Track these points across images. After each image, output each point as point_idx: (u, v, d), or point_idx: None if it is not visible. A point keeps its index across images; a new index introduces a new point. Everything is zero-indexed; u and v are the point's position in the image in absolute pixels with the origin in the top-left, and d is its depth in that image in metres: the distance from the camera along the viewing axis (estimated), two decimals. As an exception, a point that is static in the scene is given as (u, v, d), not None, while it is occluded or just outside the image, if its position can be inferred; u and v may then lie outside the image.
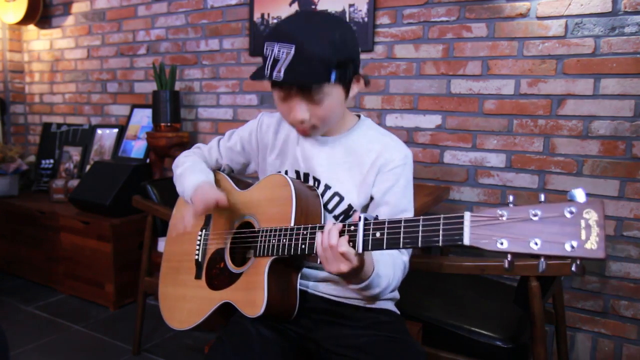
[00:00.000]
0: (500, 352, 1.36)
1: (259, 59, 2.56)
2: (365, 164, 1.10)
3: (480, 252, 0.74)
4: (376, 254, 0.99)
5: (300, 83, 0.98)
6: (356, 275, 0.93)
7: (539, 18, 1.90)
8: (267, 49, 0.97)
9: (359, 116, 1.18)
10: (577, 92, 1.86)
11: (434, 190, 1.97)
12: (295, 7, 2.40)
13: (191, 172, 1.23)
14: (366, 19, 2.23)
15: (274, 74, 0.95)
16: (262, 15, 2.50)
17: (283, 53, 0.94)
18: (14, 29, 3.50)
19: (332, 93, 1.01)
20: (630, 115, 1.79)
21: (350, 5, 2.26)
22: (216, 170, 1.32)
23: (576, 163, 1.89)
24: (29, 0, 3.22)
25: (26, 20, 3.29)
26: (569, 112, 1.89)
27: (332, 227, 0.90)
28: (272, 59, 0.96)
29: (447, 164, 2.14)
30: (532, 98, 1.94)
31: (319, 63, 0.95)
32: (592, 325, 1.94)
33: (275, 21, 2.46)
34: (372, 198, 1.10)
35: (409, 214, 1.10)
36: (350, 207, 1.10)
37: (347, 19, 2.27)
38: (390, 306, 1.19)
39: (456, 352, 1.40)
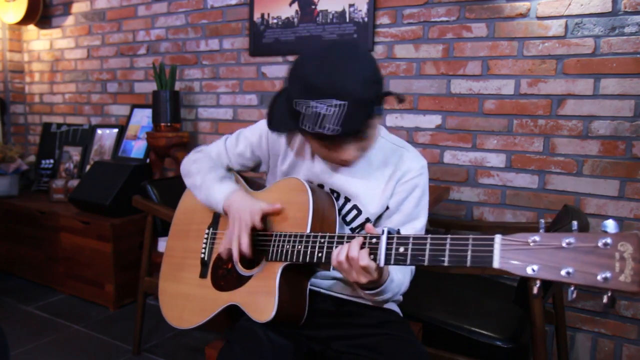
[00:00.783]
0: (500, 352, 1.36)
1: (259, 59, 2.56)
2: (383, 177, 1.10)
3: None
4: None
5: (355, 130, 0.94)
6: (372, 284, 0.94)
7: (539, 18, 1.90)
8: (300, 105, 0.92)
9: None
10: (577, 92, 1.86)
11: (434, 190, 1.96)
12: (295, 7, 2.40)
13: (215, 181, 1.18)
14: (366, 19, 2.23)
15: (324, 129, 0.91)
16: (262, 15, 2.50)
17: (332, 109, 0.89)
18: (14, 29, 3.50)
19: (375, 124, 1.01)
20: (630, 115, 1.79)
21: (350, 5, 2.26)
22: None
23: (576, 163, 1.89)
24: (29, 0, 3.22)
25: (26, 20, 3.29)
26: (569, 112, 1.88)
27: (353, 242, 0.89)
28: (314, 116, 0.91)
29: (447, 164, 2.14)
30: (532, 98, 1.94)
31: (370, 106, 0.92)
32: (592, 325, 1.93)
33: (275, 21, 2.46)
34: (387, 208, 1.11)
35: (421, 221, 1.11)
36: (368, 220, 1.12)
37: (347, 19, 2.27)
38: (394, 307, 1.19)
39: (456, 352, 1.41)
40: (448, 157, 2.13)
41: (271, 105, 1.05)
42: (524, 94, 1.95)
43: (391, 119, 2.24)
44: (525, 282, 1.29)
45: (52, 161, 3.32)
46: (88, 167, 3.06)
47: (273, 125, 1.04)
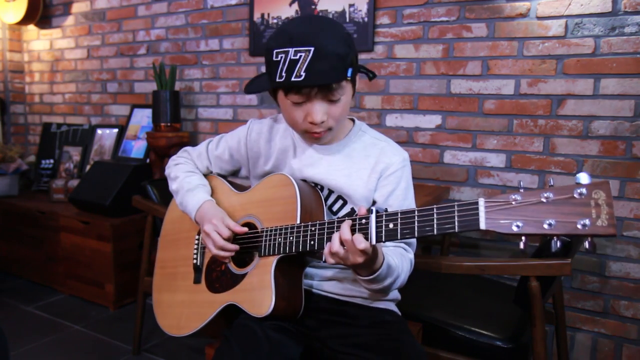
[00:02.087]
0: (500, 352, 1.36)
1: (259, 59, 2.56)
2: (365, 170, 1.11)
3: (493, 236, 0.76)
4: (384, 248, 1.00)
5: (323, 81, 0.96)
6: (369, 265, 0.93)
7: (539, 18, 1.90)
8: (278, 55, 0.96)
9: (353, 120, 1.19)
10: (577, 92, 1.86)
11: (434, 190, 1.97)
12: (295, 7, 2.40)
13: (189, 190, 1.22)
14: (366, 19, 2.23)
15: (292, 77, 0.94)
16: (262, 15, 2.50)
17: (300, 55, 0.94)
18: (14, 29, 3.50)
19: (347, 90, 1.03)
20: (630, 115, 1.79)
21: (350, 5, 2.26)
22: (209, 175, 1.31)
23: (576, 163, 1.89)
24: (29, 0, 3.22)
25: (26, 20, 3.29)
26: (569, 112, 1.89)
27: (343, 224, 0.90)
28: (286, 64, 0.95)
29: (447, 164, 2.14)
30: (532, 98, 1.94)
31: (338, 60, 0.96)
32: (592, 325, 1.94)
33: (275, 21, 2.46)
34: (374, 202, 1.11)
35: None
36: (353, 210, 1.12)
37: (347, 19, 2.27)
38: (392, 306, 1.19)
39: (456, 352, 1.40)
40: (448, 157, 2.13)
41: (251, 80, 1.10)
42: (524, 94, 1.95)
43: (391, 119, 2.24)
44: (526, 281, 1.29)
45: (52, 161, 3.32)
46: (88, 167, 3.06)
47: (249, 90, 1.08)
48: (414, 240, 1.12)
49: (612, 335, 1.91)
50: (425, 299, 1.59)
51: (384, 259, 0.96)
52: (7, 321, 2.36)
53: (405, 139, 2.22)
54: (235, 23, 2.63)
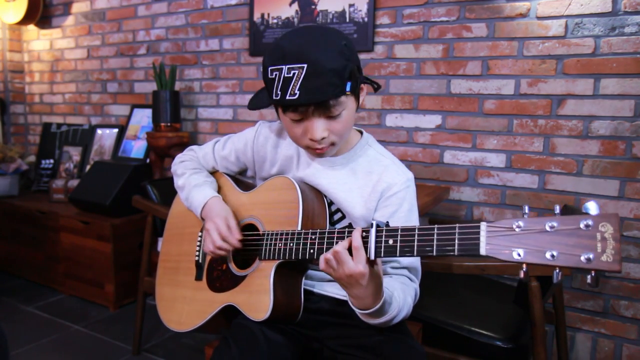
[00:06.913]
0: (500, 352, 1.36)
1: (259, 59, 2.56)
2: (367, 187, 1.09)
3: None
4: (386, 281, 0.97)
5: (318, 99, 0.93)
6: (368, 289, 0.89)
7: (539, 18, 1.90)
8: (272, 72, 0.95)
9: (361, 133, 1.17)
10: (577, 92, 1.86)
11: (434, 190, 1.97)
12: (295, 7, 2.40)
13: (196, 185, 1.22)
14: (366, 19, 2.23)
15: (287, 95, 0.93)
16: (262, 15, 2.50)
17: (294, 73, 0.92)
18: (14, 29, 3.50)
19: (348, 104, 0.99)
20: (630, 115, 1.79)
21: (350, 5, 2.26)
22: (216, 172, 1.31)
23: (576, 163, 1.89)
24: (29, 0, 3.22)
25: (26, 20, 3.29)
26: (569, 112, 1.89)
27: (341, 246, 0.88)
28: (281, 81, 0.93)
29: (447, 164, 2.14)
30: (532, 98, 1.94)
31: (334, 75, 0.92)
32: (592, 325, 1.93)
33: (275, 21, 2.46)
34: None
35: None
36: (350, 225, 1.10)
37: (347, 19, 2.27)
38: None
39: (456, 352, 1.41)
40: (448, 157, 2.13)
41: (255, 94, 1.09)
42: (524, 94, 1.95)
43: (391, 119, 2.24)
44: (526, 282, 1.29)
45: (52, 161, 3.32)
46: (88, 167, 3.06)
47: (252, 106, 1.06)
48: (418, 265, 1.09)
49: (612, 335, 1.91)
50: (425, 299, 1.58)
51: (383, 294, 0.92)
52: (7, 321, 2.36)
53: (405, 139, 2.22)
54: (235, 23, 2.63)
